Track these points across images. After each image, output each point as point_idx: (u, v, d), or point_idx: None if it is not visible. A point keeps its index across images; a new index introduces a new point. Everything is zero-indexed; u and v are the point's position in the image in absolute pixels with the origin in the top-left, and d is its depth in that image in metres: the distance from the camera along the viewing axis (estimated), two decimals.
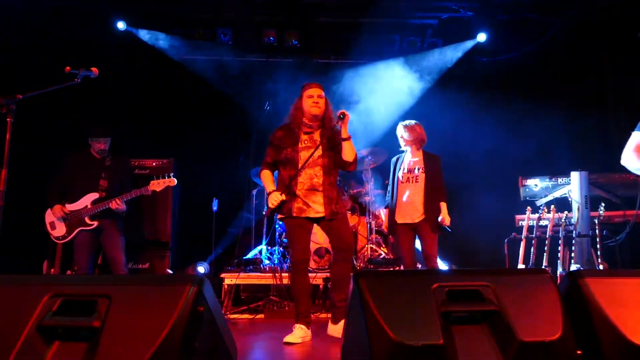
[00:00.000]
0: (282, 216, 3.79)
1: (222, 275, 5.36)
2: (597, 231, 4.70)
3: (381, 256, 5.86)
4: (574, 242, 4.94)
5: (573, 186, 5.08)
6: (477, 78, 6.79)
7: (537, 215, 5.03)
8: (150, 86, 6.69)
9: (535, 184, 5.61)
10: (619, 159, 3.37)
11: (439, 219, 4.27)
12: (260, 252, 5.82)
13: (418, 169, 4.40)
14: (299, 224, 3.70)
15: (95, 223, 4.43)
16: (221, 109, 6.79)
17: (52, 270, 4.60)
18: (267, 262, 5.66)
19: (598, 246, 4.69)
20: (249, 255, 5.79)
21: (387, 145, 5.54)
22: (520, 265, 4.89)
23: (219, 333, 2.07)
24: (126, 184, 4.60)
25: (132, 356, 1.72)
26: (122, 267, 4.48)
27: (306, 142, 3.76)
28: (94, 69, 3.19)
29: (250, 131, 5.87)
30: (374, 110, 6.37)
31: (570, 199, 5.11)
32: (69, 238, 4.44)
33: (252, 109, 6.33)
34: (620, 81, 6.35)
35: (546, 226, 4.99)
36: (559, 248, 4.85)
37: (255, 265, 5.53)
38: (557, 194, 5.41)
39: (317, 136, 3.79)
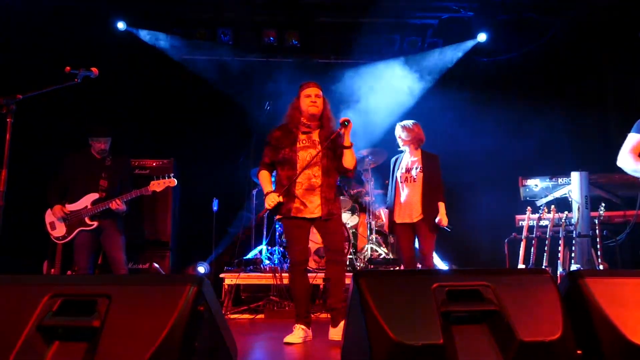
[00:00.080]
0: (280, 217, 3.78)
1: (222, 275, 5.36)
2: (597, 231, 4.69)
3: (381, 256, 5.86)
4: (574, 242, 4.94)
5: (573, 186, 5.08)
6: (477, 78, 6.79)
7: (537, 215, 5.03)
8: (150, 86, 6.69)
9: (535, 184, 5.61)
10: None
11: (437, 219, 4.27)
12: (261, 252, 5.82)
13: (416, 169, 4.40)
14: (297, 224, 3.69)
15: (95, 223, 4.43)
16: (221, 109, 6.79)
17: (53, 270, 4.60)
18: (267, 262, 5.66)
19: (598, 246, 4.69)
20: (249, 255, 5.79)
21: (387, 145, 5.53)
22: (521, 265, 4.89)
23: (219, 333, 2.07)
24: (126, 184, 4.60)
25: (132, 356, 1.72)
26: (122, 267, 4.48)
27: (304, 142, 3.74)
28: (94, 69, 3.19)
29: (250, 131, 5.87)
30: (374, 110, 6.37)
31: (570, 199, 5.11)
32: (69, 238, 4.44)
33: (252, 109, 6.33)
34: (620, 81, 6.35)
35: (546, 226, 4.99)
36: (559, 248, 4.85)
37: (255, 265, 5.53)
38: (558, 194, 5.41)
39: (315, 136, 3.77)
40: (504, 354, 1.91)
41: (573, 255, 4.95)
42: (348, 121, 3.64)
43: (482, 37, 6.81)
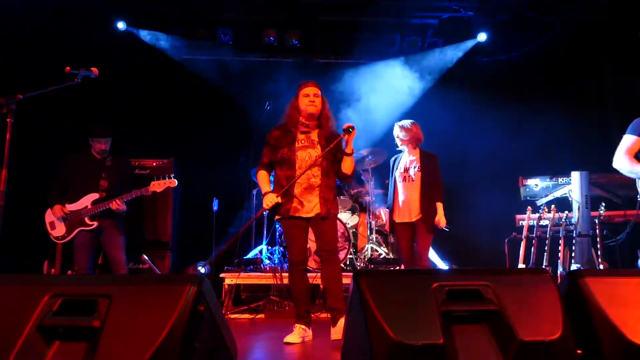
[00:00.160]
0: (279, 217, 3.78)
1: (223, 275, 5.36)
2: (597, 231, 4.69)
3: (381, 256, 5.86)
4: (574, 241, 4.94)
5: (573, 186, 5.08)
6: (478, 78, 6.79)
7: (537, 215, 5.03)
8: (150, 86, 6.69)
9: (535, 183, 5.61)
10: None
11: (435, 220, 4.28)
12: (261, 252, 5.82)
13: (414, 168, 4.41)
14: (295, 224, 3.68)
15: (95, 223, 4.43)
16: (221, 109, 6.79)
17: (53, 270, 4.60)
18: (267, 261, 5.66)
19: (598, 246, 4.69)
20: (250, 255, 5.79)
21: (387, 145, 5.53)
22: (521, 265, 4.89)
23: (219, 333, 2.07)
24: (126, 184, 4.60)
25: (132, 356, 1.72)
26: (122, 266, 4.48)
27: (303, 141, 3.74)
28: (94, 69, 3.19)
29: (251, 131, 5.87)
30: (374, 110, 6.37)
31: (570, 199, 5.12)
32: (69, 238, 4.44)
33: (252, 109, 6.33)
34: (620, 81, 6.36)
35: (546, 226, 4.99)
36: (560, 248, 4.85)
37: (255, 265, 5.53)
38: (558, 193, 5.41)
39: (314, 136, 3.76)
40: (504, 353, 1.91)
41: (573, 255, 4.95)
42: (352, 128, 3.62)
43: (482, 37, 6.82)
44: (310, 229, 3.78)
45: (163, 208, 5.71)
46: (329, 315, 3.73)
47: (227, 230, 6.18)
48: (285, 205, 3.66)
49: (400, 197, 4.41)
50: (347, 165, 3.72)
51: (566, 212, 5.02)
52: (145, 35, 6.70)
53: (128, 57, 6.64)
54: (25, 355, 1.76)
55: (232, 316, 5.03)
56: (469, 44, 6.90)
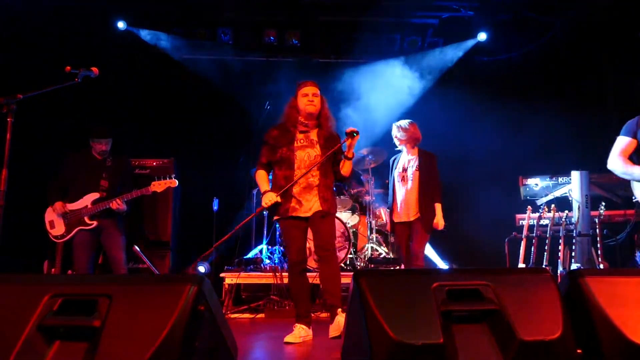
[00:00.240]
0: (278, 217, 3.77)
1: (223, 274, 5.36)
2: (597, 230, 4.70)
3: (381, 255, 5.86)
4: (574, 241, 4.95)
5: (573, 185, 5.08)
6: (478, 78, 6.79)
7: (537, 214, 5.03)
8: (151, 86, 6.69)
9: (535, 183, 5.61)
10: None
11: (434, 222, 4.28)
12: (261, 251, 5.82)
13: (412, 168, 4.41)
14: (293, 224, 3.67)
15: (95, 223, 4.42)
16: (221, 109, 6.79)
17: (53, 270, 4.60)
18: (267, 261, 5.66)
19: (598, 245, 4.69)
20: (250, 255, 5.79)
21: (387, 144, 5.53)
22: (521, 265, 4.89)
23: (219, 332, 2.07)
24: (127, 184, 4.60)
25: (133, 356, 1.72)
26: (122, 266, 4.48)
27: (302, 141, 3.73)
28: (94, 68, 3.19)
29: (251, 131, 5.87)
30: (374, 109, 6.38)
31: (570, 198, 5.12)
32: (68, 237, 4.43)
33: (252, 109, 6.34)
34: (620, 81, 6.36)
35: (547, 225, 4.99)
36: (560, 247, 4.86)
37: (255, 264, 5.54)
38: (558, 193, 5.41)
39: (313, 135, 3.75)
40: (504, 353, 1.91)
41: (573, 254, 4.95)
42: (357, 133, 3.60)
43: (482, 36, 6.82)
44: (309, 229, 3.78)
45: (163, 208, 5.71)
46: (329, 315, 3.73)
47: (227, 231, 6.18)
48: (284, 205, 3.65)
49: (399, 197, 4.42)
50: (346, 168, 3.73)
51: (566, 211, 5.02)
52: (145, 34, 6.71)
53: (128, 57, 6.64)
54: (26, 355, 1.76)
55: (233, 316, 5.03)
56: (469, 43, 6.91)
